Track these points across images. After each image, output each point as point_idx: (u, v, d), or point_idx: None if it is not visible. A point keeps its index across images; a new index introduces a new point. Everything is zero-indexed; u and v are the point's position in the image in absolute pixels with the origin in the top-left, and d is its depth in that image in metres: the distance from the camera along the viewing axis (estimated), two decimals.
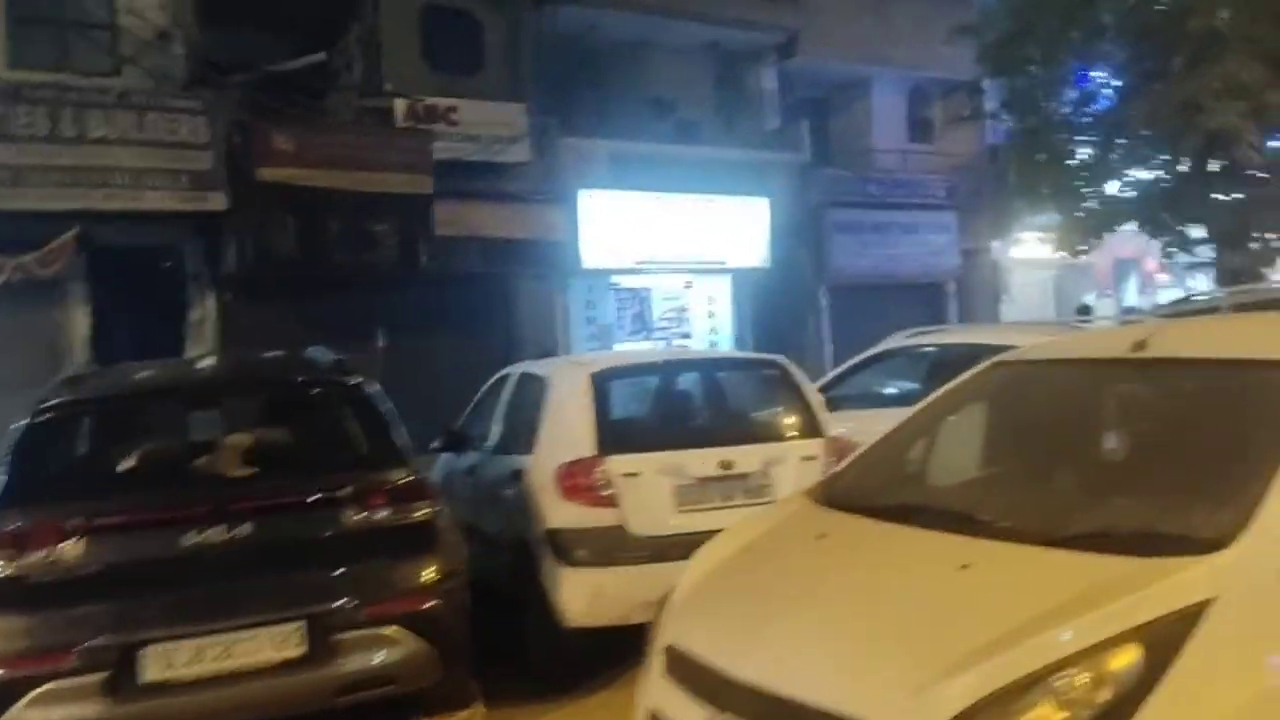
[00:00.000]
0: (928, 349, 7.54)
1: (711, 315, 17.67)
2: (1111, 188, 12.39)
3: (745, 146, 17.78)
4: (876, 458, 3.83)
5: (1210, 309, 8.12)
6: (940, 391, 4.08)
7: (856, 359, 7.95)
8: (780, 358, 6.31)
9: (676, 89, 17.58)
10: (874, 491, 3.52)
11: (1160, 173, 12.00)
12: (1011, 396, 3.85)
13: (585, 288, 16.20)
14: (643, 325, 16.86)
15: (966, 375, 4.07)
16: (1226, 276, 12.11)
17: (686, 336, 17.29)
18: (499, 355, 14.46)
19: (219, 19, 13.61)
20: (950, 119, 19.93)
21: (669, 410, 6.20)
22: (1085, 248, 13.36)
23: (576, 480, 5.22)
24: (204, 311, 12.57)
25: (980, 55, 13.65)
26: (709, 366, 6.29)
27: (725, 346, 17.63)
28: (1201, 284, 22.47)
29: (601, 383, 5.54)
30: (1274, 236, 11.83)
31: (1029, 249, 20.57)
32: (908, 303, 19.16)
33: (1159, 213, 12.20)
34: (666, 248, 16.18)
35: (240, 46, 14.38)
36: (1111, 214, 12.56)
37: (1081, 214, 12.83)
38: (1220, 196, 11.57)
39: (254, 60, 13.91)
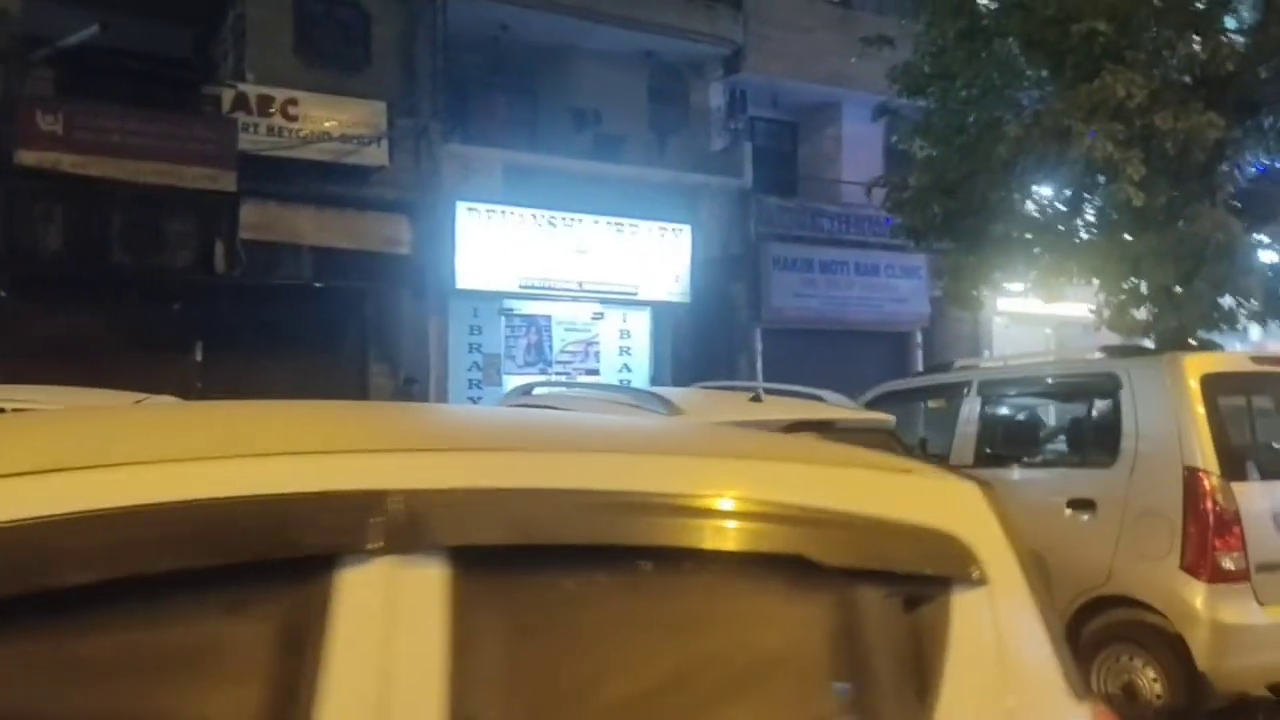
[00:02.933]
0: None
1: (625, 351, 15.69)
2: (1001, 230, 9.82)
3: (680, 168, 15.79)
4: None
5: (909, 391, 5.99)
6: None
7: None
8: None
9: (602, 100, 15.51)
10: None
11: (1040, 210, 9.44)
12: None
13: (469, 310, 14.33)
14: (539, 357, 14.87)
15: None
16: (1164, 338, 9.52)
17: (593, 372, 15.33)
18: (353, 378, 13.19)
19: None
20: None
21: None
22: (977, 302, 10.76)
23: None
24: None
25: (890, 72, 11.33)
26: None
27: (639, 384, 15.66)
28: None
29: None
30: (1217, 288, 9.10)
31: (1022, 301, 17.91)
32: (863, 351, 16.70)
33: (1053, 260, 9.67)
34: (565, 272, 14.08)
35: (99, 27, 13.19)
36: (995, 260, 10.00)
37: (973, 256, 10.32)
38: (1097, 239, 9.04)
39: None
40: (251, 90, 11.99)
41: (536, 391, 5.97)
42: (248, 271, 11.52)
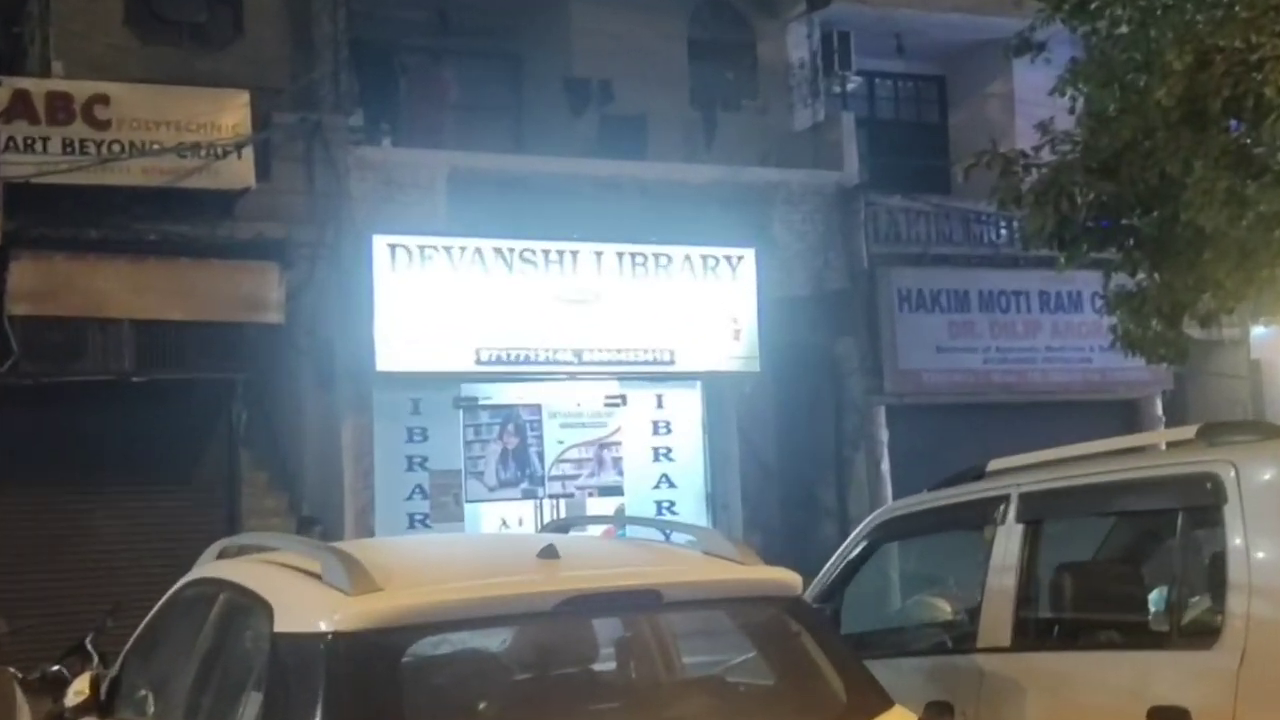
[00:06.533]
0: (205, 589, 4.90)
1: (664, 454, 15.04)
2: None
3: (740, 160, 15.21)
4: None
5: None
6: None
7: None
8: None
9: (615, 64, 15.03)
10: None
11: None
12: None
13: (405, 404, 13.91)
14: (523, 471, 14.29)
15: None
16: None
17: (614, 491, 14.68)
18: (219, 517, 12.82)
19: None
20: None
21: None
22: (1173, 348, 9.89)
23: None
24: None
25: None
26: None
27: (691, 511, 14.99)
28: None
29: None
30: None
31: None
32: (1064, 434, 15.88)
33: None
34: (554, 334, 13.65)
35: None
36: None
37: (1157, 274, 9.55)
38: None
39: None
40: (37, 87, 12.02)
41: (216, 554, 5.44)
42: (23, 363, 11.42)
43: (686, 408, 15.04)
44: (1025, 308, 15.91)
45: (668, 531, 6.88)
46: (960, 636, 5.55)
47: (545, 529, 7.36)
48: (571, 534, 5.57)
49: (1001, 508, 5.32)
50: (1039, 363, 15.91)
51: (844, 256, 15.36)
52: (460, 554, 5.34)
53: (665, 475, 14.97)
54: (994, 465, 5.70)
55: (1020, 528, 5.23)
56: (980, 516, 5.44)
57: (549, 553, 4.31)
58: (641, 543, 5.23)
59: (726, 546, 4.49)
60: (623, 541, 5.83)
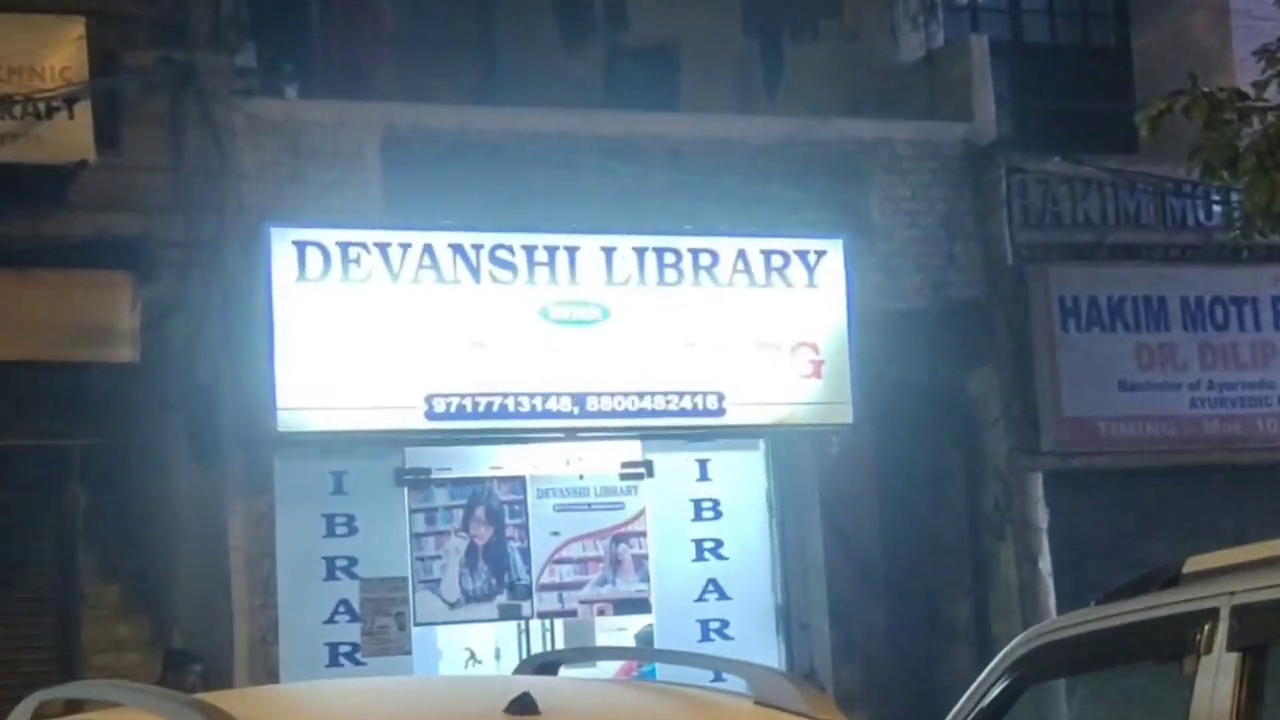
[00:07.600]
0: None
1: (711, 549, 14.57)
2: None
3: (818, 109, 15.04)
4: None
5: None
6: None
7: None
8: None
9: None
10: None
11: None
12: None
13: (324, 479, 13.70)
14: (501, 577, 14.04)
15: None
16: None
17: (638, 606, 14.41)
18: (49, 655, 12.86)
19: None
20: None
21: None
22: None
23: None
24: None
25: None
26: None
27: (754, 632, 14.64)
28: None
29: None
30: None
31: None
32: None
33: None
34: (542, 374, 13.47)
35: None
36: None
37: None
38: None
39: None
40: None
41: (30, 713, 5.29)
42: None
43: (744, 480, 14.96)
44: (1252, 323, 15.61)
45: (717, 670, 6.67)
46: None
47: (520, 669, 6.95)
48: (563, 676, 5.46)
49: (1206, 628, 5.01)
50: (1273, 405, 15.52)
51: (978, 249, 15.15)
52: (396, 708, 5.20)
53: (713, 581, 14.73)
54: (1194, 564, 5.39)
55: (1235, 657, 4.87)
56: (1175, 641, 5.13)
57: (523, 705, 4.19)
58: (665, 687, 5.08)
59: (787, 691, 4.55)
60: (635, 687, 5.87)
